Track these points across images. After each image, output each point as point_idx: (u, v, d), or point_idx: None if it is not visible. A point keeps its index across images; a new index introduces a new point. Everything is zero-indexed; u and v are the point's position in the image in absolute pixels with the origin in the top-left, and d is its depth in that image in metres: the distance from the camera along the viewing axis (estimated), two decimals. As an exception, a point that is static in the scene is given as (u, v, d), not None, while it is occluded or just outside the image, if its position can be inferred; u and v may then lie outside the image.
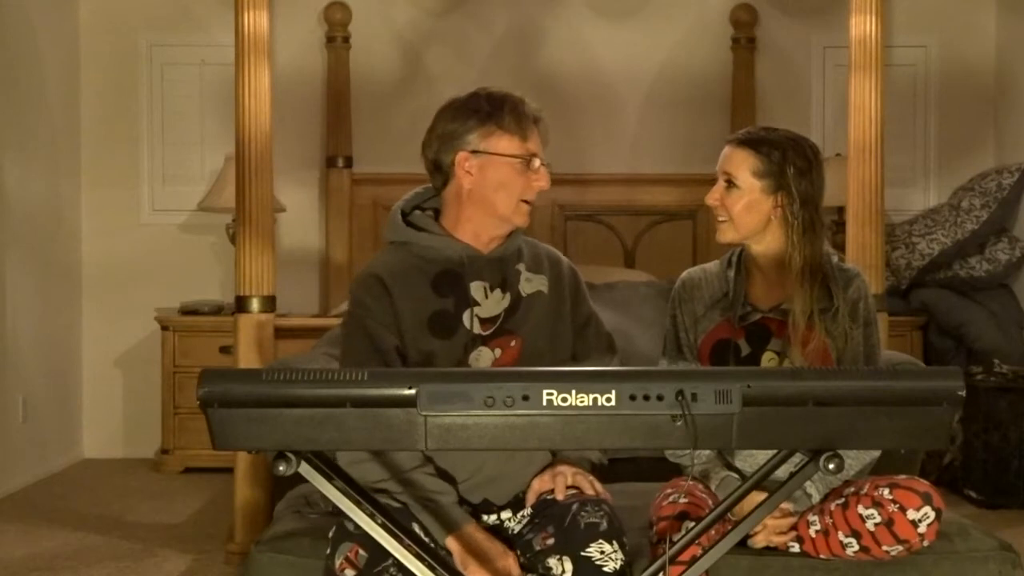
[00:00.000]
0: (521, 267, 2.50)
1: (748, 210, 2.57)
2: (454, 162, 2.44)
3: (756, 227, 2.58)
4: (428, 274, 2.45)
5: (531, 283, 2.50)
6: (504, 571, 2.24)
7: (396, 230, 2.50)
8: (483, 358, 2.42)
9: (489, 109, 2.42)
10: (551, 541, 2.24)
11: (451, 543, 2.27)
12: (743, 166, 2.57)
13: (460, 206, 2.47)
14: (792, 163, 2.55)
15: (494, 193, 2.43)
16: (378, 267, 2.48)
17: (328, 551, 2.28)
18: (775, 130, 2.63)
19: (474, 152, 2.42)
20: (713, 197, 2.61)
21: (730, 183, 2.58)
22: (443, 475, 2.37)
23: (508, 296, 2.46)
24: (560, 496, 2.33)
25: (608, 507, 2.29)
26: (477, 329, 2.42)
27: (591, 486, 2.37)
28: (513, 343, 2.43)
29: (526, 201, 2.46)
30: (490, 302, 2.45)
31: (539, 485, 2.39)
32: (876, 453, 2.56)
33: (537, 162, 2.44)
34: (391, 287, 2.43)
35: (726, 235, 2.61)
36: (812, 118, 5.87)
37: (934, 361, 5.27)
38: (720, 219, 2.61)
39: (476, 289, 2.45)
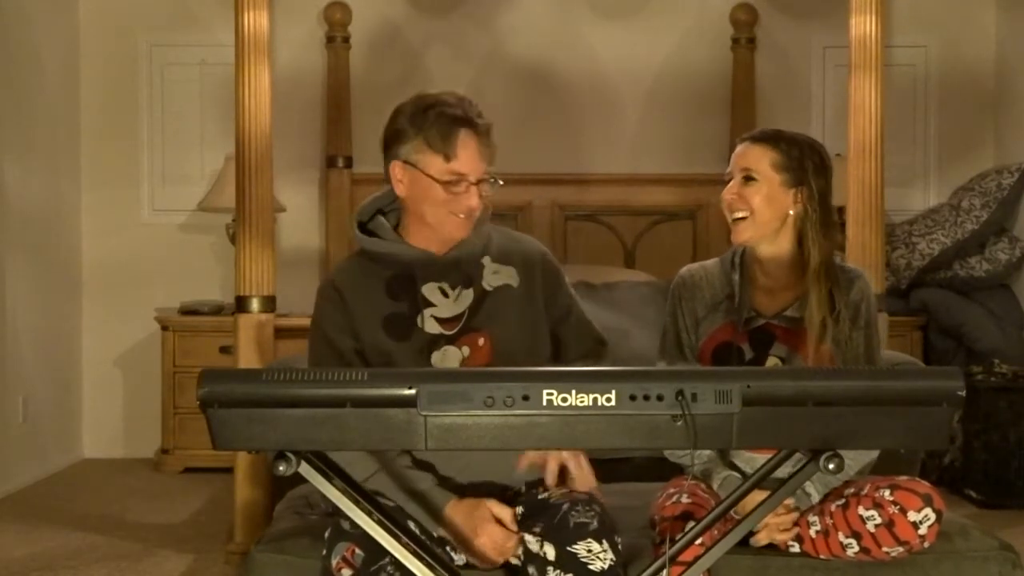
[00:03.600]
0: (486, 260, 2.49)
1: (768, 203, 2.52)
2: (390, 170, 2.45)
3: (774, 223, 2.54)
4: (382, 278, 2.47)
5: (498, 275, 2.48)
6: (497, 534, 2.27)
7: (355, 237, 2.54)
8: (450, 357, 2.42)
9: (421, 122, 2.38)
10: (537, 529, 2.25)
11: (444, 531, 2.30)
12: (763, 160, 2.54)
13: (406, 213, 2.49)
14: (810, 159, 2.54)
15: (422, 206, 2.43)
16: (335, 274, 2.55)
17: (324, 551, 2.28)
18: (787, 131, 2.61)
19: (405, 163, 2.42)
20: (731, 192, 2.56)
21: (748, 178, 2.54)
22: (419, 464, 2.38)
23: (471, 292, 2.46)
24: (550, 480, 2.34)
25: (600, 507, 2.29)
26: (436, 330, 2.43)
27: (579, 469, 2.35)
28: (482, 341, 2.43)
29: (462, 214, 2.41)
30: (449, 301, 2.45)
31: (533, 456, 2.36)
32: (875, 453, 2.55)
33: (463, 184, 2.39)
34: (345, 293, 2.47)
35: (744, 233, 2.55)
36: (812, 118, 5.87)
37: (934, 361, 5.26)
38: (738, 215, 2.55)
39: (430, 291, 2.45)
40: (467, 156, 2.39)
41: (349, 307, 2.46)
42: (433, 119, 2.38)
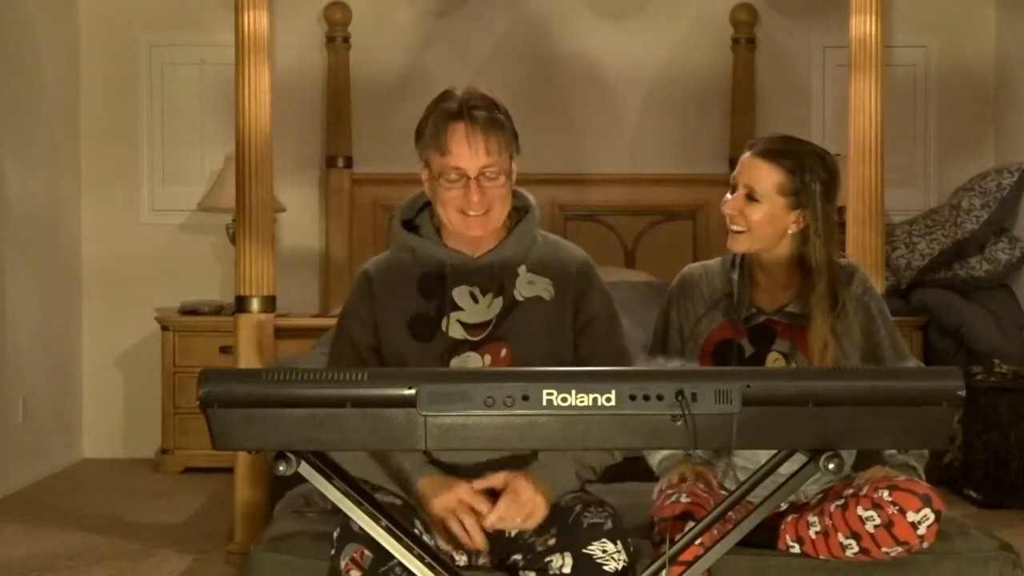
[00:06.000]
0: (522, 269, 2.45)
1: (768, 223, 2.54)
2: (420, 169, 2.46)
3: (772, 239, 2.56)
4: (415, 275, 2.45)
5: (532, 286, 2.44)
6: (455, 528, 2.22)
7: (396, 231, 2.52)
8: (470, 364, 2.37)
9: (426, 120, 2.39)
10: (552, 541, 2.23)
11: (421, 503, 2.28)
12: (768, 181, 2.53)
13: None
14: (818, 179, 2.53)
15: (437, 205, 2.41)
16: (373, 263, 2.53)
17: (332, 552, 2.25)
18: (798, 142, 2.59)
19: (423, 162, 2.43)
20: (733, 207, 2.56)
21: (751, 197, 2.54)
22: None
23: (500, 300, 2.42)
24: (478, 485, 2.26)
25: (612, 508, 2.29)
26: (460, 335, 2.39)
27: (512, 503, 2.23)
28: (504, 352, 2.38)
29: (471, 211, 2.36)
30: (479, 307, 2.41)
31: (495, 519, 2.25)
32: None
33: (462, 180, 2.34)
34: (375, 286, 2.46)
35: (741, 245, 2.58)
36: (812, 118, 5.87)
37: (934, 361, 5.26)
38: (736, 229, 2.56)
39: (460, 294, 2.41)
40: (458, 149, 2.33)
41: (376, 300, 2.44)
42: (433, 116, 2.38)
